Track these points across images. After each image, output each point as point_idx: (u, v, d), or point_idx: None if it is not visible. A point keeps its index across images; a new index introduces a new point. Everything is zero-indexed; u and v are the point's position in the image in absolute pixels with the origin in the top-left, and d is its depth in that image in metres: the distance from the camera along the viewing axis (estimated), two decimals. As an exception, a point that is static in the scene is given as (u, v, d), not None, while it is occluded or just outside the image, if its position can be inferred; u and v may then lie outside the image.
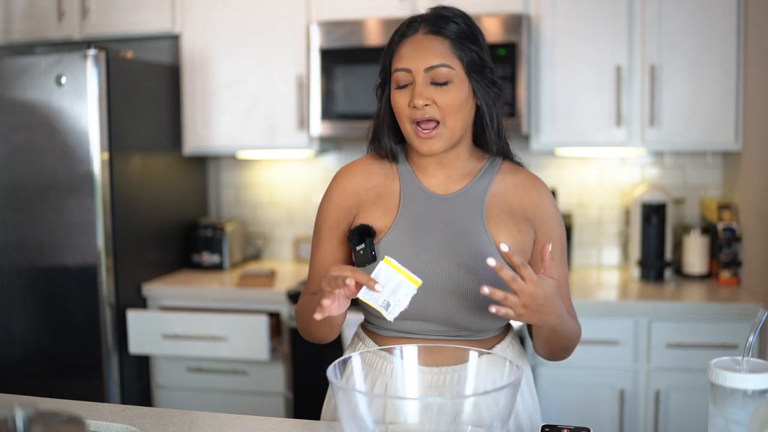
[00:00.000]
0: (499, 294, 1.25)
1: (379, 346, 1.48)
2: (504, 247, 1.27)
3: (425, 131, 1.40)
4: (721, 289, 2.76)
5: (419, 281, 1.28)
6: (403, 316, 1.43)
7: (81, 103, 2.68)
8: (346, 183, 1.53)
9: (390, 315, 1.28)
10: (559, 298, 1.32)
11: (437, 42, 1.41)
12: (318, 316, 1.27)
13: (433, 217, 1.46)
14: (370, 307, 1.29)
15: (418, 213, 1.47)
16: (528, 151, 3.02)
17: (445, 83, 1.40)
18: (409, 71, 1.40)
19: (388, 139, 1.50)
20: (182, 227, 3.26)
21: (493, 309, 1.26)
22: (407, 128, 1.43)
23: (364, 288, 1.27)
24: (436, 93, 1.40)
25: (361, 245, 1.43)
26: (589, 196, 3.21)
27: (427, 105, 1.39)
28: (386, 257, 1.29)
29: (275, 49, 3.05)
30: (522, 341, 1.60)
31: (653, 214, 2.89)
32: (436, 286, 1.40)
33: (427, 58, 1.40)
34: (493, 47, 2.77)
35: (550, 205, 1.50)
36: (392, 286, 1.27)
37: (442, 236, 1.44)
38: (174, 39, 3.29)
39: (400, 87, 1.42)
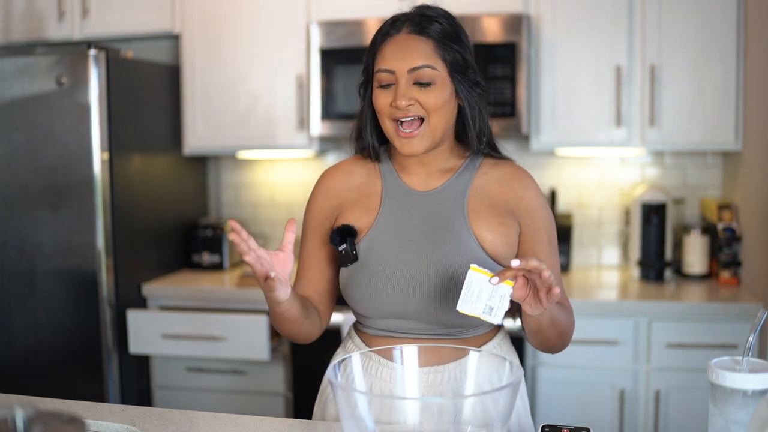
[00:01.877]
0: (545, 273, 1.20)
1: (369, 345, 1.49)
2: (514, 262, 1.21)
3: (407, 131, 1.40)
4: (721, 289, 2.76)
5: (512, 281, 1.24)
6: (387, 315, 1.44)
7: (81, 103, 2.68)
8: (329, 184, 1.55)
9: (495, 318, 1.24)
10: None
11: (420, 42, 1.41)
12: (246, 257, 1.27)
13: (414, 214, 1.47)
14: (472, 316, 1.26)
15: (399, 211, 1.47)
16: (528, 151, 3.02)
17: (428, 84, 1.40)
18: (392, 72, 1.40)
19: (371, 137, 1.50)
20: (182, 227, 3.26)
21: (555, 292, 1.22)
22: (388, 127, 1.43)
23: (462, 299, 1.25)
24: (419, 93, 1.40)
25: (342, 245, 1.45)
26: (589, 196, 3.21)
27: (410, 105, 1.39)
28: (472, 265, 1.26)
29: (275, 49, 3.05)
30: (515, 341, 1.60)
31: (653, 214, 2.89)
32: (417, 283, 1.41)
33: (410, 58, 1.40)
34: (493, 47, 2.77)
35: (535, 196, 1.49)
36: (488, 290, 1.24)
37: (422, 233, 1.45)
38: (174, 39, 3.30)
39: (383, 86, 1.42)
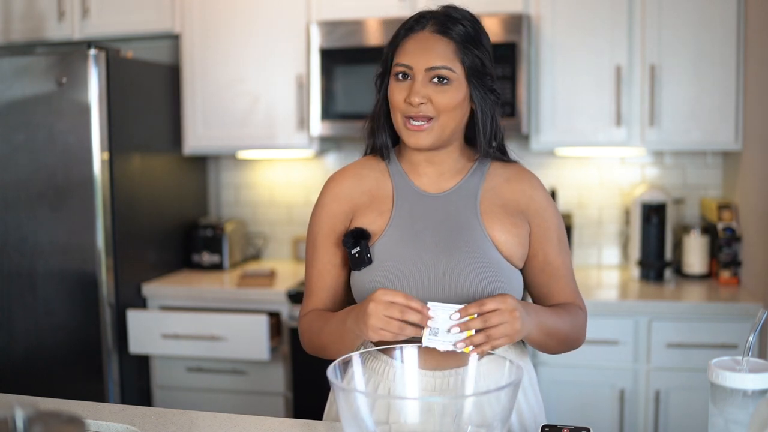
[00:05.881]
0: (478, 338, 1.26)
1: (377, 345, 1.48)
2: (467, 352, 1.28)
3: (416, 123, 1.41)
4: (721, 289, 2.76)
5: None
6: None
7: (81, 103, 2.68)
8: (338, 189, 1.53)
9: (450, 347, 1.29)
10: (521, 303, 1.32)
11: (442, 43, 1.41)
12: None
13: (427, 216, 1.46)
14: (433, 347, 1.29)
15: (412, 213, 1.47)
16: (528, 151, 3.02)
17: (444, 84, 1.40)
18: (410, 68, 1.41)
19: (383, 134, 1.50)
20: (182, 227, 3.26)
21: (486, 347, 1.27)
22: (399, 120, 1.43)
23: (426, 335, 1.29)
24: (433, 92, 1.40)
25: (356, 248, 1.43)
26: (589, 196, 3.21)
27: (422, 103, 1.39)
28: (430, 303, 1.30)
29: (275, 49, 3.05)
30: (523, 342, 1.59)
31: (653, 214, 2.89)
32: (433, 285, 1.40)
33: (429, 57, 1.40)
34: (493, 47, 2.76)
35: (543, 195, 1.51)
36: (447, 324, 1.29)
37: (437, 234, 1.44)
38: (174, 39, 3.30)
39: (399, 81, 1.42)
